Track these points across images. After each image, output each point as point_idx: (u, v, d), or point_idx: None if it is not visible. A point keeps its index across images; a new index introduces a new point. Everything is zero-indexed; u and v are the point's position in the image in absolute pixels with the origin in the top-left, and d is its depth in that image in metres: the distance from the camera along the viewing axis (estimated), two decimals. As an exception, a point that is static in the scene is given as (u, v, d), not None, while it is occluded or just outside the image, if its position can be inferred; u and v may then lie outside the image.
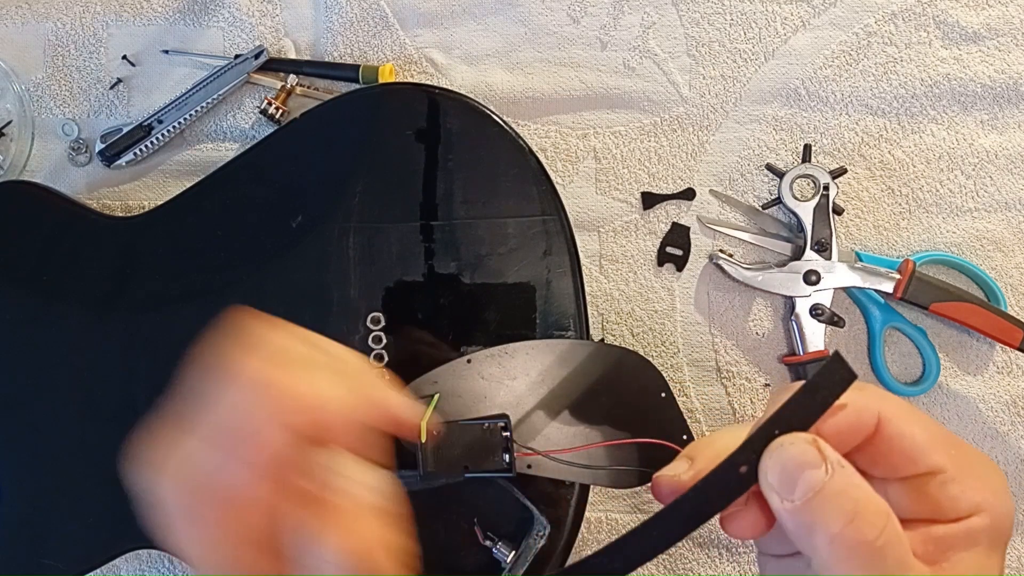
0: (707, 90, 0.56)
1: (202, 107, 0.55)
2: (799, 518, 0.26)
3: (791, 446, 0.27)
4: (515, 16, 0.57)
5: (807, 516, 0.26)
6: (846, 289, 0.55)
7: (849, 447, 0.29)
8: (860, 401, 0.28)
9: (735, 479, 0.27)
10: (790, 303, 0.55)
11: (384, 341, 0.50)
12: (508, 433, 0.48)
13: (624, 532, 0.28)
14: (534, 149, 0.52)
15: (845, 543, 0.25)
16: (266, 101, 0.55)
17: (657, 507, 0.29)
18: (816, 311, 0.54)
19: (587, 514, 0.51)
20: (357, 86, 0.55)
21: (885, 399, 0.29)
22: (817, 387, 0.27)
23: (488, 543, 0.51)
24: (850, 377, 0.27)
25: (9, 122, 0.57)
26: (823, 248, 0.54)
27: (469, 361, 0.50)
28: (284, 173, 0.52)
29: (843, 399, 0.28)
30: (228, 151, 0.57)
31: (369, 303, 0.51)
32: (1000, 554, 0.29)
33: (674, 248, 0.56)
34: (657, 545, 0.28)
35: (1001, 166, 0.56)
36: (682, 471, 0.30)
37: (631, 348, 0.53)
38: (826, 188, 0.54)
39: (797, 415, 0.27)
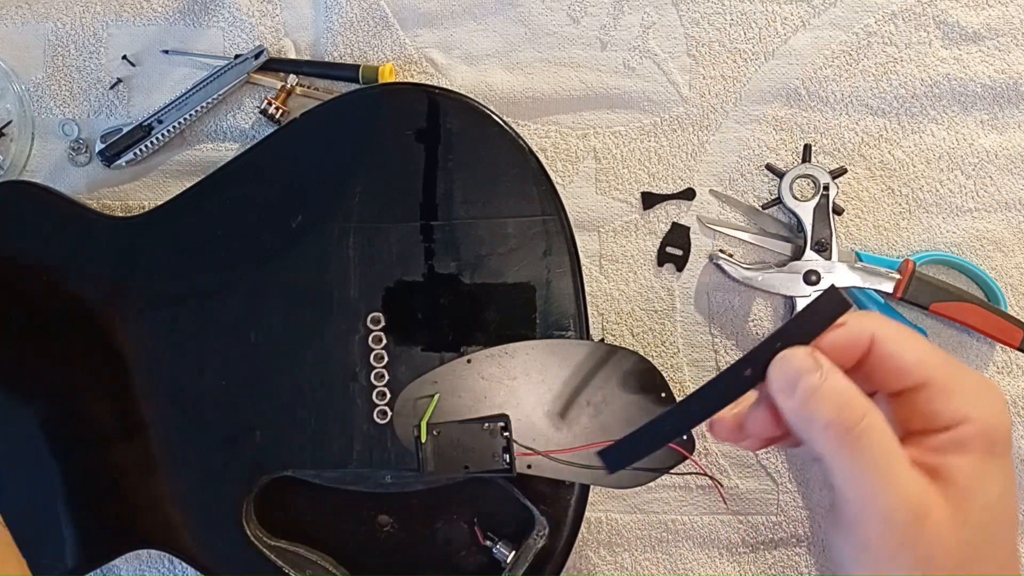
0: (707, 90, 0.56)
1: (202, 107, 0.55)
2: (799, 414, 0.32)
3: (793, 357, 0.32)
4: (515, 16, 0.57)
5: (804, 411, 0.32)
6: (846, 289, 0.55)
7: (847, 361, 0.33)
8: (856, 322, 0.33)
9: (740, 380, 0.34)
10: (790, 303, 0.55)
11: (384, 341, 0.50)
12: (508, 433, 0.48)
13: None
14: (534, 149, 0.52)
15: (833, 429, 0.31)
16: (266, 101, 0.55)
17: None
18: (816, 311, 0.54)
19: (587, 514, 0.51)
20: (357, 86, 0.55)
21: (881, 322, 0.34)
22: (814, 311, 0.33)
23: (488, 543, 0.51)
24: (845, 305, 0.33)
25: (9, 122, 0.57)
26: (823, 248, 0.54)
27: (469, 361, 0.50)
28: (284, 173, 0.52)
29: (840, 320, 0.33)
30: (228, 151, 0.57)
31: (369, 303, 0.51)
32: (999, 462, 0.32)
33: (674, 248, 0.56)
34: (681, 426, 0.36)
35: (1001, 166, 0.56)
36: None
37: (631, 348, 0.53)
38: (826, 188, 0.55)
39: (797, 332, 0.33)
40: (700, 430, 0.56)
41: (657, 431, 0.36)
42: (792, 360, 0.32)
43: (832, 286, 0.34)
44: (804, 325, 0.33)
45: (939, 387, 0.32)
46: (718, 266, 0.55)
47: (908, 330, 0.34)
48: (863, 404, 0.32)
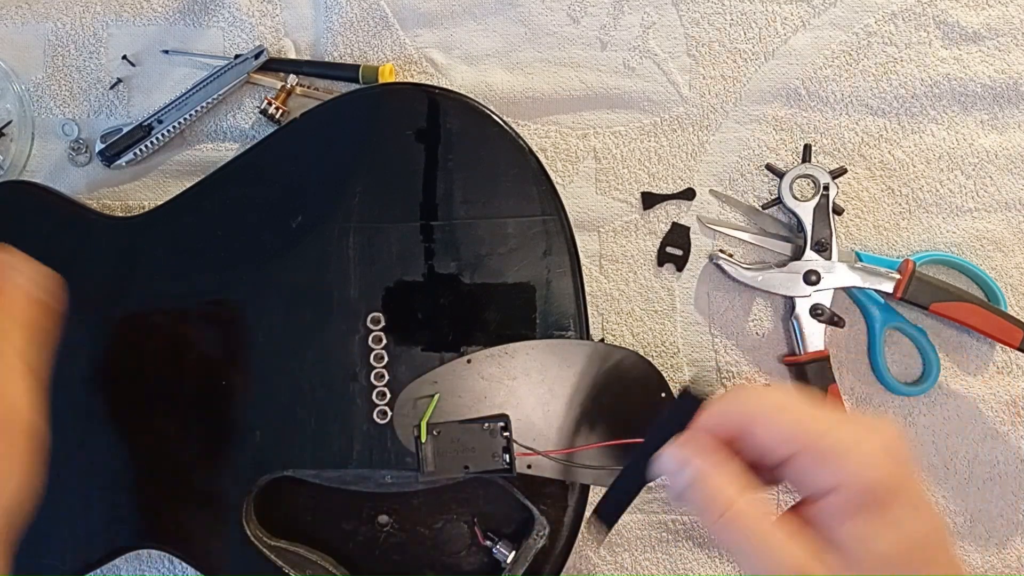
0: (707, 90, 0.56)
1: (202, 107, 0.55)
2: (682, 504, 0.35)
3: (664, 459, 0.35)
4: (515, 16, 0.57)
5: (685, 503, 0.34)
6: (846, 289, 0.55)
7: (725, 437, 0.35)
8: (723, 405, 0.35)
9: (634, 478, 0.38)
10: (790, 303, 0.55)
11: (384, 341, 0.50)
12: (508, 433, 0.48)
13: (623, 520, 0.34)
14: (534, 149, 0.52)
15: (706, 520, 0.34)
16: (266, 101, 0.55)
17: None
18: (816, 311, 0.54)
19: (587, 514, 0.51)
20: (357, 86, 0.55)
21: (751, 399, 0.35)
22: (676, 410, 0.36)
23: (488, 543, 0.51)
24: (701, 400, 0.35)
25: (9, 122, 0.57)
26: (823, 248, 0.54)
27: (469, 361, 0.50)
28: (284, 173, 0.52)
29: (713, 403, 0.35)
30: (228, 151, 0.57)
31: (369, 303, 0.51)
32: (888, 513, 0.32)
33: (674, 248, 0.56)
34: (636, 484, 0.38)
35: (1001, 166, 0.56)
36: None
37: (631, 348, 0.53)
38: (826, 188, 0.55)
39: (667, 430, 0.36)
40: (700, 430, 0.56)
41: (623, 487, 0.39)
42: (662, 462, 0.36)
43: (686, 390, 0.36)
44: (664, 430, 0.36)
45: (809, 458, 0.33)
46: (718, 266, 0.55)
47: (783, 400, 0.34)
48: (728, 494, 0.34)
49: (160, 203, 0.53)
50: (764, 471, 0.35)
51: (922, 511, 0.33)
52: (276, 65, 0.56)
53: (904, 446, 0.34)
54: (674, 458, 0.35)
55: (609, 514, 0.39)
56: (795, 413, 0.34)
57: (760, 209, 0.56)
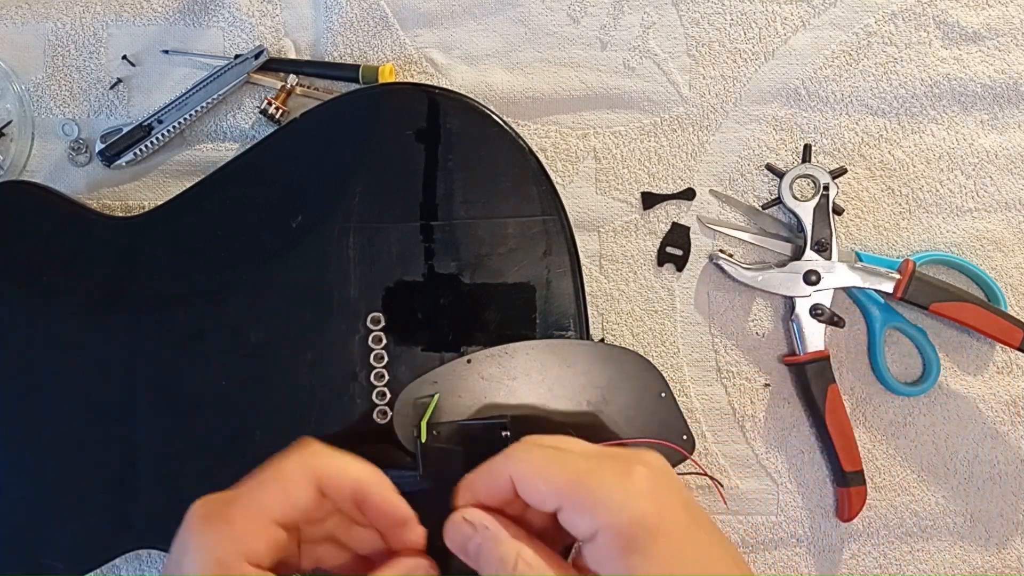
0: (707, 90, 0.56)
1: (202, 107, 0.55)
2: (478, 567, 0.37)
3: (450, 530, 0.38)
4: (515, 16, 0.57)
5: (480, 566, 0.37)
6: (846, 289, 0.55)
7: (503, 499, 0.38)
8: (485, 476, 0.38)
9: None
10: (790, 303, 0.55)
11: (384, 341, 0.50)
12: (508, 433, 0.48)
13: None
14: (534, 149, 0.52)
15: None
16: (266, 101, 0.55)
17: None
18: (816, 311, 0.54)
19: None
20: (357, 86, 0.55)
21: (514, 461, 0.37)
22: None
23: (488, 543, 0.51)
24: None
25: (9, 122, 0.57)
26: (823, 248, 0.54)
27: (469, 361, 0.50)
28: (284, 173, 0.52)
29: (477, 473, 0.38)
30: (228, 151, 0.57)
31: (369, 303, 0.51)
32: (651, 548, 0.33)
33: (674, 248, 0.56)
34: None
35: (1001, 166, 0.56)
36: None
37: (631, 348, 0.53)
38: (826, 188, 0.55)
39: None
40: (700, 429, 0.56)
41: None
42: (453, 531, 0.38)
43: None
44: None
45: (571, 508, 0.35)
46: (718, 266, 0.55)
47: (545, 458, 0.36)
48: (503, 558, 0.36)
49: (160, 203, 0.53)
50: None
51: (693, 541, 0.34)
52: (276, 65, 0.56)
53: (667, 479, 0.36)
54: (464, 523, 0.37)
55: None
56: (552, 468, 0.36)
57: (760, 209, 0.56)
